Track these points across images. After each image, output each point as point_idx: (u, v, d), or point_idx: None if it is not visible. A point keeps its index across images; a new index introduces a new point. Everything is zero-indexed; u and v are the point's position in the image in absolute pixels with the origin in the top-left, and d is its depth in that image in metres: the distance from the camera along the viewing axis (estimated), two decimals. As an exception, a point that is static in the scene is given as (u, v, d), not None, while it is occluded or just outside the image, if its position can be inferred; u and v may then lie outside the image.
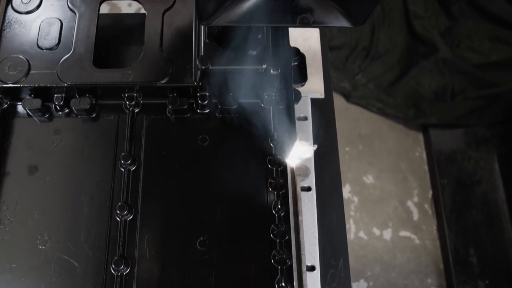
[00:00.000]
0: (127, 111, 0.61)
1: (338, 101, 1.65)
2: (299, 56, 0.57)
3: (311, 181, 0.60)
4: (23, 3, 0.63)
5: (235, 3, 0.51)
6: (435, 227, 1.49)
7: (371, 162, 1.57)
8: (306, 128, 0.61)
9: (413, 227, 1.49)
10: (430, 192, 1.54)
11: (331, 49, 1.70)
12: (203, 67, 0.54)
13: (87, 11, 0.62)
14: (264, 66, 0.54)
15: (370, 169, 1.56)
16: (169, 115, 0.61)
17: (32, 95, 0.60)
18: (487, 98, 1.57)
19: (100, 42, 0.63)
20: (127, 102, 0.60)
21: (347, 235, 0.74)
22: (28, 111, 0.60)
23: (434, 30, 1.71)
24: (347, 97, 1.64)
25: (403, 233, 1.49)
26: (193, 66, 0.57)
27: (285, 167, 0.57)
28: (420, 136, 1.61)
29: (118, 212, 0.55)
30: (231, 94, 0.59)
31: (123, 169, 0.58)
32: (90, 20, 0.61)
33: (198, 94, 0.59)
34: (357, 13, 0.52)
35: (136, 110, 0.61)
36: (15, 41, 0.61)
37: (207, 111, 0.61)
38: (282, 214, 0.56)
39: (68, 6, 0.63)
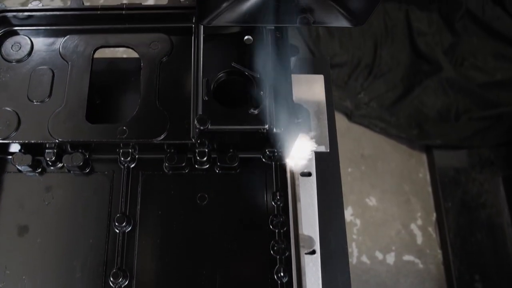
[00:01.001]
0: (122, 167, 0.58)
1: (341, 120, 1.62)
2: (303, 113, 0.54)
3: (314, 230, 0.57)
4: (13, 50, 0.60)
5: (235, 3, 0.51)
6: (439, 251, 1.46)
7: (374, 184, 1.54)
8: (310, 184, 0.58)
9: (417, 251, 1.46)
10: (434, 215, 1.51)
11: (333, 66, 1.67)
12: (201, 127, 0.51)
13: (80, 60, 0.59)
14: (266, 127, 0.52)
15: (373, 191, 1.53)
16: (166, 171, 0.58)
17: (22, 150, 0.57)
18: (491, 119, 1.54)
19: (94, 90, 0.60)
20: (122, 158, 0.57)
21: (349, 259, 0.72)
22: (18, 167, 0.57)
23: (438, 47, 1.68)
24: (349, 116, 1.61)
25: (407, 257, 1.46)
26: (191, 124, 0.54)
27: (288, 228, 0.54)
28: (424, 157, 1.58)
29: (112, 279, 0.52)
30: (231, 150, 0.56)
31: (117, 231, 0.55)
32: (83, 71, 0.58)
33: (196, 150, 0.56)
34: (357, 13, 0.52)
35: (132, 166, 0.58)
36: (4, 92, 0.58)
37: (206, 167, 0.58)
38: (285, 280, 0.53)
39: (60, 55, 0.60)
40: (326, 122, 0.60)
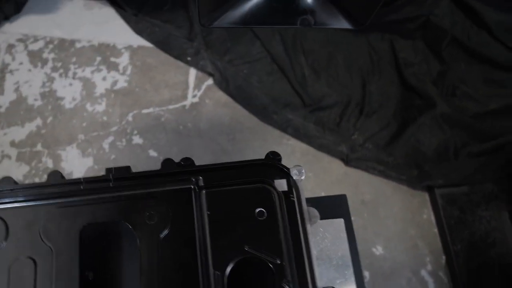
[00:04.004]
0: None
1: (337, 166, 1.56)
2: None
3: None
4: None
5: (236, 5, 0.51)
6: (453, 297, 1.42)
7: (378, 231, 1.48)
8: None
9: (430, 299, 1.42)
10: (443, 257, 1.46)
11: (323, 108, 1.61)
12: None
13: (65, 243, 0.51)
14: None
15: (378, 239, 1.48)
16: None
17: None
18: (491, 152, 1.50)
19: (84, 266, 0.52)
20: None
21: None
22: None
23: (427, 78, 1.63)
24: (346, 161, 1.55)
25: (421, 307, 1.41)
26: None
27: None
28: (426, 196, 1.53)
29: None
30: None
31: None
32: (71, 258, 0.50)
33: None
34: (358, 14, 0.52)
35: None
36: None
37: None
38: None
39: (41, 238, 0.52)
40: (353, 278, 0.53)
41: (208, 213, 0.50)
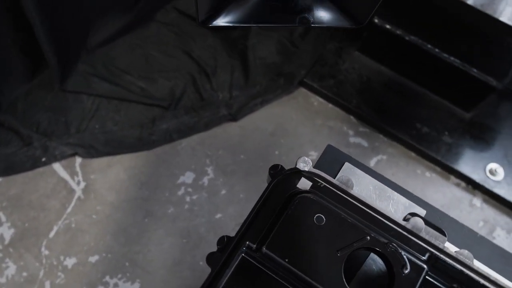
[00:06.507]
0: None
1: (232, 129, 1.66)
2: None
3: None
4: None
5: (235, 4, 0.50)
6: None
7: (312, 139, 1.66)
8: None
9: None
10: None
11: (179, 101, 1.65)
12: None
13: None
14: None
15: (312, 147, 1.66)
16: None
17: None
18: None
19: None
20: None
21: None
22: None
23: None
24: (234, 119, 1.66)
25: None
26: None
27: None
28: (303, 89, 1.73)
29: None
30: None
31: None
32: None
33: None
34: (357, 13, 0.52)
35: None
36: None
37: None
38: None
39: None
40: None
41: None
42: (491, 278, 0.49)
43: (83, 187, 1.53)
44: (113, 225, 1.50)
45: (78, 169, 1.55)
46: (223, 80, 1.68)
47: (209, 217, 1.52)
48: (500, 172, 1.55)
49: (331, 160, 0.69)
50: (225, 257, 0.54)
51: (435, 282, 0.51)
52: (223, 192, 1.55)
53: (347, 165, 0.67)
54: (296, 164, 0.61)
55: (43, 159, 1.51)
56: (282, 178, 0.60)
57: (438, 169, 1.61)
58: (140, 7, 1.58)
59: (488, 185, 1.53)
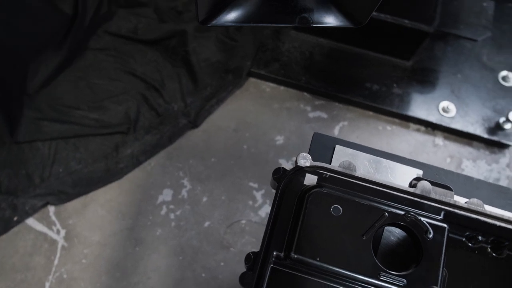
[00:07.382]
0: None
1: (194, 135, 1.65)
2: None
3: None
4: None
5: (235, 3, 0.51)
6: None
7: (279, 127, 1.69)
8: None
9: None
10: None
11: (137, 123, 1.62)
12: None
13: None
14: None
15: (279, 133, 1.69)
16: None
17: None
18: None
19: None
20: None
21: None
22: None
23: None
24: (195, 125, 1.65)
25: None
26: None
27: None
28: (251, 79, 1.74)
29: None
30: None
31: None
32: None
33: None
34: (357, 13, 0.54)
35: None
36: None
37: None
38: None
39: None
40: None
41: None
42: (505, 218, 0.54)
43: (64, 234, 1.48)
44: (105, 264, 1.47)
45: (53, 218, 1.50)
46: (173, 91, 1.67)
47: (198, 228, 1.52)
48: (452, 108, 1.65)
49: (321, 147, 0.72)
50: (257, 274, 0.55)
51: (456, 237, 0.55)
52: (205, 199, 1.56)
53: (338, 147, 0.70)
54: (296, 162, 0.63)
55: (15, 218, 1.44)
56: (288, 179, 0.61)
57: (397, 120, 1.69)
58: (71, 40, 1.53)
59: (445, 123, 1.63)
